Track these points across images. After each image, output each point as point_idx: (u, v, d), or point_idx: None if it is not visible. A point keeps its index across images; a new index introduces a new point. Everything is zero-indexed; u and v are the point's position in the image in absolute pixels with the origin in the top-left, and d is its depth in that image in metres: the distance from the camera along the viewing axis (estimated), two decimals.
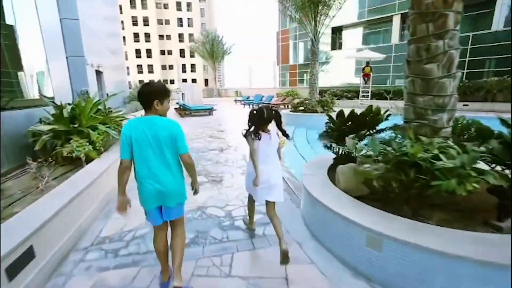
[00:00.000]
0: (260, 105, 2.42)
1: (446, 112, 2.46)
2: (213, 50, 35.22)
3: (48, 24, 5.61)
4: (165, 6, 52.75)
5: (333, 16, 11.07)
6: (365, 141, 3.12)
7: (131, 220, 3.13)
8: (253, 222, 2.87)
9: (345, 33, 30.53)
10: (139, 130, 1.77)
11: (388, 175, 2.15)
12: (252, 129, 2.30)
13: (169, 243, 2.08)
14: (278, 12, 32.46)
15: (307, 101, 11.38)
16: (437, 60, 2.36)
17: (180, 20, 53.74)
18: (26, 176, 3.53)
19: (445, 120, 2.47)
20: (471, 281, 1.69)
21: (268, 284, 2.09)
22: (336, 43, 31.13)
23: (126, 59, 37.99)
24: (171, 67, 53.05)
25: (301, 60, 33.85)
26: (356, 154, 2.56)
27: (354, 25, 28.75)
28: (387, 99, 16.08)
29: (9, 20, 4.65)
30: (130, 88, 22.25)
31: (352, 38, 29.60)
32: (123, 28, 41.42)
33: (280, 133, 2.39)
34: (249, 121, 2.31)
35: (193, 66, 54.79)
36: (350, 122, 3.33)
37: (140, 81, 43.30)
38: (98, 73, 10.38)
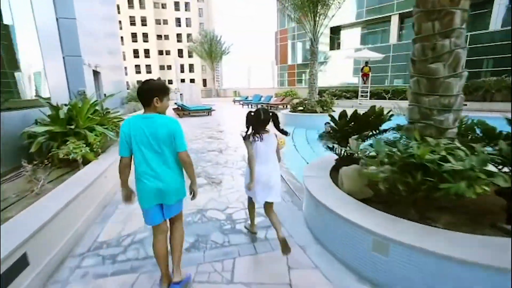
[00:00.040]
0: (257, 107, 2.47)
1: (452, 113, 2.41)
2: (212, 50, 35.11)
3: (44, 24, 5.52)
4: (163, 6, 52.57)
5: (332, 16, 11.02)
6: (367, 142, 3.07)
7: (129, 224, 3.06)
8: (254, 225, 2.81)
9: (343, 33, 30.57)
10: (137, 128, 1.77)
11: (394, 177, 2.09)
12: (250, 131, 2.33)
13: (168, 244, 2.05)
14: (277, 11, 32.49)
15: (306, 101, 11.32)
16: (443, 59, 2.30)
17: (178, 20, 53.57)
18: (21, 179, 3.44)
19: (451, 120, 2.42)
20: (480, 287, 1.64)
21: None
22: (334, 43, 31.16)
23: (124, 59, 37.85)
24: (169, 67, 52.86)
25: (299, 60, 33.85)
26: (360, 156, 2.49)
27: (352, 25, 28.79)
28: (385, 99, 16.08)
29: (6, 20, 4.57)
30: (128, 89, 22.17)
31: (351, 38, 29.65)
32: (121, 28, 41.21)
33: (278, 134, 2.41)
34: (246, 123, 2.34)
35: (191, 66, 54.65)
36: (352, 123, 3.27)
37: (138, 81, 43.14)
38: (96, 73, 10.27)
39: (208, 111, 14.80)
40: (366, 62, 16.72)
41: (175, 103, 15.08)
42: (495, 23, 17.99)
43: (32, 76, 5.29)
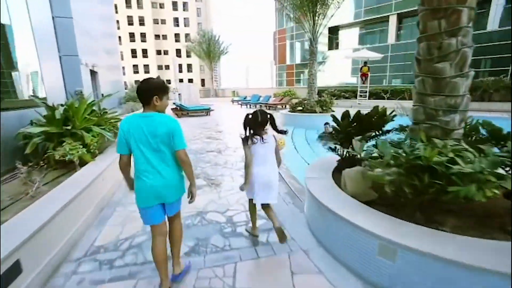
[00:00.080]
0: (256, 107, 2.54)
1: (458, 113, 2.36)
2: (210, 50, 34.97)
3: (39, 22, 5.41)
4: (161, 6, 52.36)
5: (332, 16, 10.98)
6: (370, 143, 3.01)
7: (127, 227, 2.98)
8: (256, 228, 2.75)
9: (341, 33, 30.59)
10: (136, 126, 1.77)
11: (400, 180, 2.03)
12: (248, 133, 2.36)
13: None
14: (275, 11, 32.45)
15: (305, 101, 11.27)
16: (450, 59, 2.25)
17: (176, 20, 53.38)
18: (15, 181, 3.35)
19: (457, 121, 2.37)
20: None
21: None
22: (333, 43, 31.17)
23: (122, 59, 37.60)
24: (167, 67, 52.67)
25: (297, 60, 33.83)
26: (364, 157, 2.43)
27: (350, 25, 28.81)
28: (384, 99, 16.09)
29: (3, 19, 4.46)
30: (125, 89, 22.00)
31: (349, 38, 29.67)
32: (118, 28, 41.03)
33: (278, 135, 2.45)
34: (244, 125, 2.37)
35: (189, 66, 54.48)
36: (355, 124, 3.21)
37: (136, 81, 42.94)
38: (93, 73, 10.16)
39: (206, 111, 14.72)
40: (365, 62, 16.70)
41: (174, 103, 14.98)
42: (493, 23, 18.05)
43: (27, 76, 5.19)
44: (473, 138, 2.88)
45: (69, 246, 2.55)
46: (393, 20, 24.61)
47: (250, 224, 2.81)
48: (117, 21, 38.16)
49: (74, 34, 7.64)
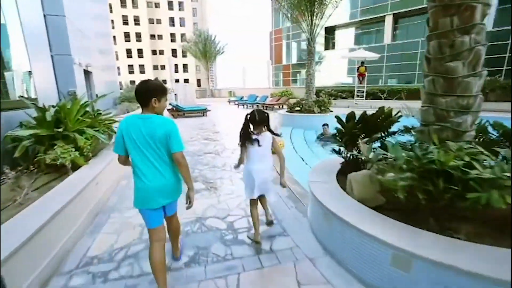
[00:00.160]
0: (253, 108, 2.69)
1: (471, 114, 2.25)
2: (206, 50, 34.73)
3: (29, 20, 5.20)
4: (157, 5, 51.91)
5: (330, 15, 10.90)
6: (375, 145, 2.90)
7: (123, 235, 2.83)
8: (258, 234, 2.62)
9: (338, 33, 30.63)
10: (135, 128, 1.77)
11: (413, 185, 1.92)
12: (245, 133, 2.45)
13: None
14: (272, 11, 32.37)
15: (303, 101, 11.17)
16: (462, 57, 2.15)
17: (172, 20, 52.97)
18: (3, 187, 3.17)
19: (469, 122, 2.27)
20: None
21: None
22: (329, 43, 31.19)
23: (117, 59, 37.18)
24: (163, 67, 52.22)
25: (294, 60, 33.79)
26: (373, 160, 2.32)
27: (347, 25, 28.85)
28: (381, 99, 16.07)
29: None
30: (121, 89, 21.69)
31: (345, 38, 29.72)
32: (113, 28, 40.51)
33: (278, 138, 2.61)
34: (243, 126, 2.45)
35: (185, 66, 54.11)
36: (359, 125, 3.10)
37: (132, 82, 42.43)
38: (87, 73, 9.91)
39: (203, 112, 14.53)
40: (362, 62, 16.68)
41: (170, 104, 14.76)
42: (487, 23, 18.20)
43: (17, 76, 4.98)
44: (482, 139, 2.80)
45: (60, 257, 2.38)
46: (389, 20, 24.72)
47: (252, 231, 2.68)
48: (112, 21, 37.63)
49: (67, 33, 7.39)
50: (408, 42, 23.43)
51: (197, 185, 4.14)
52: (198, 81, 53.40)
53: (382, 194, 2.48)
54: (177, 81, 42.87)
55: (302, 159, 5.95)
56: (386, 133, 3.08)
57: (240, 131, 2.46)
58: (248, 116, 2.44)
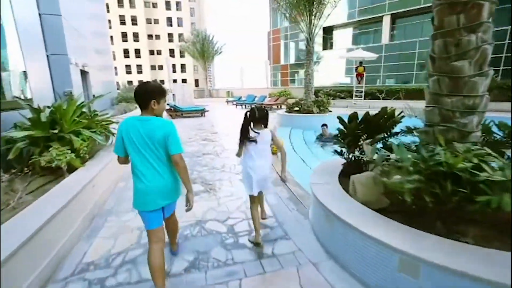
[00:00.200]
0: (252, 106, 2.71)
1: (477, 114, 2.21)
2: (204, 50, 34.56)
3: (24, 19, 5.10)
4: (154, 5, 51.68)
5: (328, 15, 10.87)
6: (377, 146, 2.85)
7: (120, 239, 2.75)
8: (259, 235, 2.56)
9: (336, 33, 30.63)
10: (134, 130, 1.77)
11: (420, 188, 1.87)
12: (244, 130, 2.46)
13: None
14: (270, 11, 32.33)
15: (302, 102, 11.12)
16: (469, 57, 2.10)
17: (169, 20, 52.75)
18: None
19: (475, 123, 2.22)
20: None
21: None
22: (327, 43, 31.19)
23: (114, 59, 36.96)
24: (160, 67, 52.01)
25: (292, 60, 33.76)
26: (378, 162, 2.26)
27: (345, 25, 28.86)
28: (380, 99, 16.07)
29: None
30: (118, 89, 21.53)
31: (343, 38, 29.73)
32: (110, 27, 40.31)
33: (277, 139, 2.63)
34: (243, 123, 2.47)
35: (183, 66, 53.90)
36: (362, 126, 3.05)
37: (129, 82, 42.25)
38: (84, 73, 9.80)
39: (201, 112, 14.44)
40: (361, 62, 16.66)
41: (167, 104, 14.66)
42: None
43: (11, 76, 4.88)
44: (486, 140, 2.75)
45: (55, 263, 2.30)
46: (386, 21, 24.74)
47: (253, 234, 2.62)
48: (109, 21, 37.42)
49: (63, 33, 7.29)
50: (406, 42, 23.47)
51: (196, 187, 4.07)
52: (196, 81, 53.25)
53: (386, 196, 2.42)
54: (175, 81, 42.71)
55: (302, 160, 5.89)
56: (388, 134, 3.03)
57: (241, 128, 2.49)
58: (248, 113, 2.48)
